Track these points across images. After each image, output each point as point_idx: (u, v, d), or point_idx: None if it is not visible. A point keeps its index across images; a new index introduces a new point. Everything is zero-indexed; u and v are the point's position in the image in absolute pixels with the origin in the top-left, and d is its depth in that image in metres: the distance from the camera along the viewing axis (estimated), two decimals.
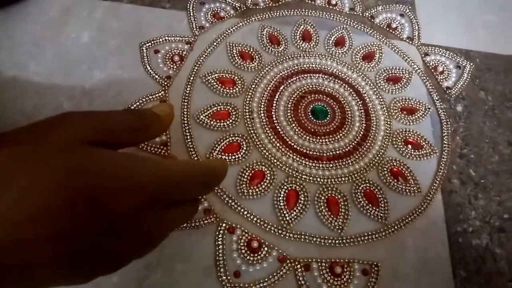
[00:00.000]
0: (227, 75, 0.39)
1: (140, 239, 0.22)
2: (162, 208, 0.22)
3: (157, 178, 0.21)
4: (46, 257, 0.17)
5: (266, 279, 0.30)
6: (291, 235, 0.32)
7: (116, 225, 0.19)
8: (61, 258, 0.18)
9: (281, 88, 0.40)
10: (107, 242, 0.19)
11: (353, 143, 0.38)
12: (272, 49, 0.42)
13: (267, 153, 0.36)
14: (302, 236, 0.33)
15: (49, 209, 0.17)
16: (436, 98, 0.42)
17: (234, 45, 0.41)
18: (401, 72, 0.43)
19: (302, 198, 0.34)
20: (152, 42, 0.40)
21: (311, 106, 0.39)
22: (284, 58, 0.41)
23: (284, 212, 0.33)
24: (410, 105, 0.41)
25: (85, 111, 0.23)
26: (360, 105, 0.40)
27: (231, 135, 0.36)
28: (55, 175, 0.17)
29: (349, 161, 0.37)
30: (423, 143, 0.39)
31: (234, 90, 0.39)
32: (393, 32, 0.46)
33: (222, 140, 0.36)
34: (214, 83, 0.38)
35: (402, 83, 0.42)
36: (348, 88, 0.41)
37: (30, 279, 0.18)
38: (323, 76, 0.41)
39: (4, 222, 0.16)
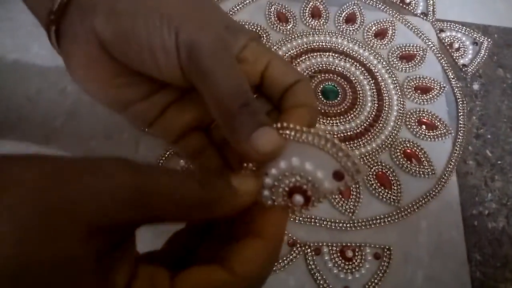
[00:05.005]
0: None
1: None
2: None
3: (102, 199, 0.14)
4: None
5: (276, 263, 0.30)
6: (301, 219, 0.32)
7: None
8: None
9: None
10: None
11: (364, 124, 0.36)
12: (280, 27, 0.40)
13: None
14: (313, 220, 0.32)
15: None
16: (452, 76, 0.40)
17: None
18: (415, 50, 0.41)
19: None
20: None
21: (321, 86, 0.38)
22: (293, 37, 0.40)
23: None
24: (424, 83, 0.39)
25: (132, 166, 0.15)
26: (372, 85, 0.38)
27: None
28: None
29: (360, 142, 0.35)
30: (438, 123, 0.37)
31: None
32: (407, 7, 0.44)
33: None
34: None
35: (416, 61, 0.40)
36: (360, 67, 0.39)
37: None
38: (333, 54, 0.39)
39: None
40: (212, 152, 0.24)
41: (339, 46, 0.40)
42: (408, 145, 0.36)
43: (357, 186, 0.33)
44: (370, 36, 0.41)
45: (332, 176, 0.19)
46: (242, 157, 0.20)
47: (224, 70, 0.20)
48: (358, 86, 0.38)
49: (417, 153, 0.36)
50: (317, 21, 0.41)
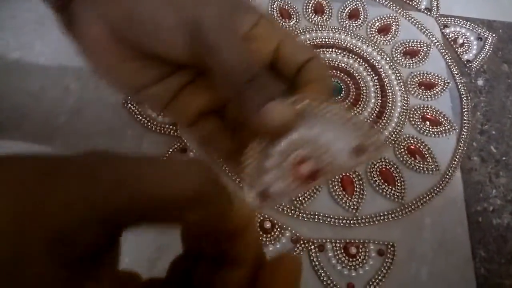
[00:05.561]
0: None
1: None
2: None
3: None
4: None
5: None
6: (304, 215, 0.32)
7: None
8: None
9: None
10: None
11: (368, 120, 0.36)
12: (283, 24, 0.40)
13: None
14: (316, 216, 0.32)
15: None
16: (456, 72, 0.40)
17: None
18: (418, 45, 0.41)
19: None
20: None
21: None
22: (296, 33, 0.40)
23: None
24: (428, 79, 0.39)
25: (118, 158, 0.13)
26: (376, 81, 0.38)
27: None
28: None
29: None
30: (442, 120, 0.37)
31: None
32: (410, 2, 0.44)
33: None
34: None
35: (420, 57, 0.40)
36: (363, 63, 0.39)
37: None
38: (336, 50, 0.39)
39: None
40: (225, 136, 0.24)
41: (342, 42, 0.40)
42: (412, 141, 0.36)
43: (361, 182, 0.33)
44: (373, 32, 0.41)
45: (352, 151, 0.18)
46: (255, 133, 0.20)
47: (229, 45, 0.19)
48: (361, 82, 0.38)
49: (421, 149, 0.35)
50: (320, 17, 0.41)
